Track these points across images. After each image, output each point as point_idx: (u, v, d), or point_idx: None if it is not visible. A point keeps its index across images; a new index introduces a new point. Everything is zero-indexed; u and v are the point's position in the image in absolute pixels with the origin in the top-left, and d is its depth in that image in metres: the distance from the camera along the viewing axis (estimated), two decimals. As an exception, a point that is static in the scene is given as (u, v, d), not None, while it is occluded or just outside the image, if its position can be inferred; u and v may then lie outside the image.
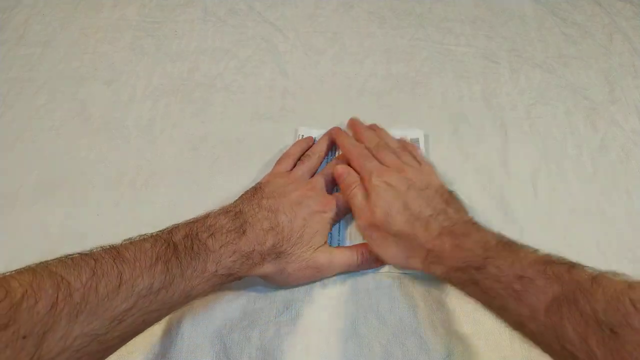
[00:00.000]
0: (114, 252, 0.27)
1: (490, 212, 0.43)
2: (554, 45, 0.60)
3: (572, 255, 0.41)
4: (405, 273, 0.39)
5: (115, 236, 0.33)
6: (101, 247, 0.28)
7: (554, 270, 0.27)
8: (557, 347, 0.25)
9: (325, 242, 0.38)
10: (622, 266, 0.40)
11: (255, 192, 0.38)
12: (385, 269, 0.39)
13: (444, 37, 0.60)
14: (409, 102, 0.53)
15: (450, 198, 0.37)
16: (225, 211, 0.34)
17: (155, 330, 0.35)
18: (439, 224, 0.34)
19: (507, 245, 0.31)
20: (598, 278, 0.26)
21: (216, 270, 0.31)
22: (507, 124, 0.50)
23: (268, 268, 0.34)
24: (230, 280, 0.33)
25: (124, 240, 0.29)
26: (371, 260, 0.38)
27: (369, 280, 0.39)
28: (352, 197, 0.39)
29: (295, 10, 0.62)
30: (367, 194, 0.38)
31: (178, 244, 0.30)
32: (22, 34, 0.58)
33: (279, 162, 0.43)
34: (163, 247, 0.29)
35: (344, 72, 0.55)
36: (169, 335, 0.35)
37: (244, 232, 0.33)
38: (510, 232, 0.41)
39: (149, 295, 0.27)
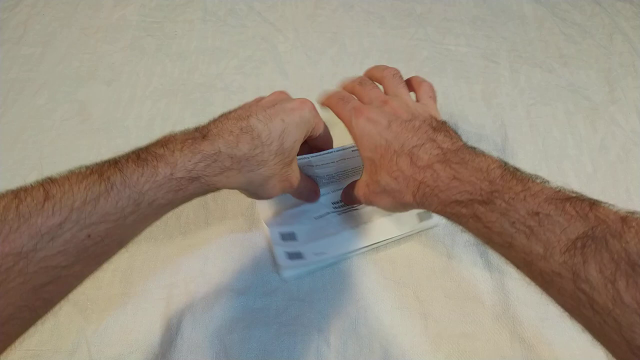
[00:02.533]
0: (44, 179, 0.26)
1: (490, 212, 0.43)
2: (554, 45, 0.60)
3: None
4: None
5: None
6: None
7: (575, 207, 0.24)
8: (570, 289, 0.23)
9: (299, 144, 0.34)
10: (622, 266, 0.40)
11: (223, 113, 0.34)
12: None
13: (444, 37, 0.60)
14: (409, 102, 0.52)
15: (439, 126, 0.33)
16: (184, 131, 0.31)
17: (155, 330, 0.35)
18: (427, 154, 0.30)
19: (516, 175, 0.27)
20: (628, 219, 0.23)
21: (172, 174, 0.27)
22: (507, 124, 0.50)
23: (245, 177, 0.31)
24: (198, 190, 0.29)
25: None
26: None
27: (369, 280, 0.39)
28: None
29: (295, 10, 0.62)
30: (353, 138, 0.34)
31: (119, 159, 0.27)
32: (22, 34, 0.58)
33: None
34: (99, 165, 0.27)
35: (344, 72, 0.55)
36: (169, 335, 0.35)
37: (204, 137, 0.29)
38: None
39: (85, 205, 0.25)
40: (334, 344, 0.35)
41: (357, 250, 0.40)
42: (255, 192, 0.33)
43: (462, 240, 0.41)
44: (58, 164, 0.46)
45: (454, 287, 0.38)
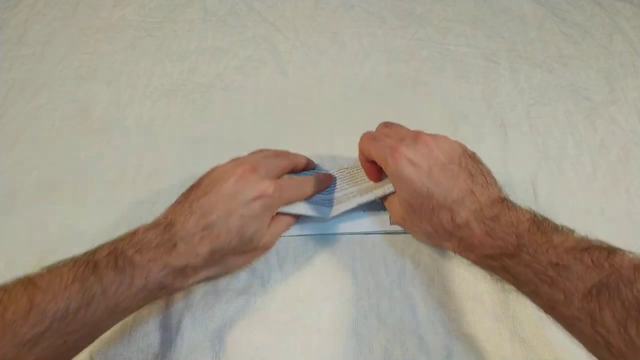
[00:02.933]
0: (27, 281, 0.27)
1: (490, 212, 0.43)
2: (554, 45, 0.60)
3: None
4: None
5: (115, 236, 0.34)
6: (16, 278, 0.27)
7: (592, 257, 0.27)
8: (589, 332, 0.25)
9: (266, 227, 0.35)
10: (622, 266, 0.40)
11: (190, 191, 0.35)
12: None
13: (444, 37, 0.60)
14: (409, 102, 0.53)
15: (475, 170, 0.34)
16: (155, 225, 0.32)
17: (155, 330, 0.35)
18: (466, 210, 0.32)
19: (541, 228, 0.30)
20: None
21: (145, 285, 0.29)
22: (507, 124, 0.51)
23: (208, 272, 0.33)
24: (166, 294, 0.32)
25: (43, 267, 0.28)
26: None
27: (369, 280, 0.39)
28: (384, 201, 0.39)
29: (295, 10, 0.62)
30: (391, 178, 0.35)
31: (99, 262, 0.29)
32: (22, 34, 0.58)
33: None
34: (81, 268, 0.28)
35: (344, 72, 0.55)
36: (169, 335, 0.35)
37: (174, 245, 0.31)
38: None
39: (66, 317, 0.26)
40: (334, 344, 0.35)
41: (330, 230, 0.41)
42: (220, 275, 0.36)
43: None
44: (58, 164, 0.46)
45: (454, 287, 0.38)
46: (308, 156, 0.45)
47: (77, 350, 0.29)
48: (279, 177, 0.37)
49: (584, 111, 0.52)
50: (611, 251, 0.27)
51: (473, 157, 0.35)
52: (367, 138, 0.39)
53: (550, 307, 0.28)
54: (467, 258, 0.34)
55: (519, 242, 0.29)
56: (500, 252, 0.30)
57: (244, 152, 0.47)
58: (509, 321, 0.36)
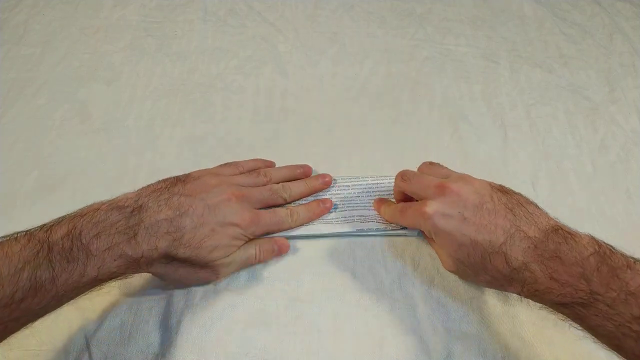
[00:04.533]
0: None
1: (490, 212, 0.43)
2: (554, 45, 0.60)
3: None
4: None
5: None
6: None
7: None
8: None
9: (229, 250, 0.35)
10: (622, 266, 0.40)
11: (175, 183, 0.34)
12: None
13: (444, 37, 0.60)
14: (409, 102, 0.53)
15: (511, 202, 0.32)
16: (122, 205, 0.31)
17: (155, 330, 0.35)
18: (518, 250, 0.30)
19: (610, 268, 0.27)
20: None
21: (96, 276, 0.28)
22: (507, 124, 0.50)
23: (155, 270, 0.32)
24: (114, 280, 0.31)
25: None
26: (270, 251, 0.38)
27: (370, 280, 0.39)
28: (432, 246, 0.38)
29: (295, 11, 0.62)
30: (430, 235, 0.34)
31: (54, 245, 0.27)
32: (22, 34, 0.58)
33: (225, 164, 0.41)
34: (35, 250, 0.27)
35: (344, 72, 0.55)
36: (168, 335, 0.35)
37: (134, 234, 0.30)
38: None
39: (11, 304, 0.25)
40: (334, 344, 0.35)
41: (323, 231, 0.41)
42: (167, 282, 0.35)
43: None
44: (58, 164, 0.46)
45: (454, 287, 0.38)
46: (307, 158, 0.45)
47: (12, 333, 0.27)
48: (263, 206, 0.38)
49: (584, 111, 0.52)
50: None
51: (503, 190, 0.33)
52: (395, 212, 0.38)
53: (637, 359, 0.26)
54: (537, 302, 0.30)
55: (590, 288, 0.27)
56: (571, 301, 0.27)
57: (243, 152, 0.47)
58: (509, 321, 0.36)
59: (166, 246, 0.31)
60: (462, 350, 0.35)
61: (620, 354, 0.27)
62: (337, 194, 0.43)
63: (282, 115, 0.51)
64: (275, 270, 0.39)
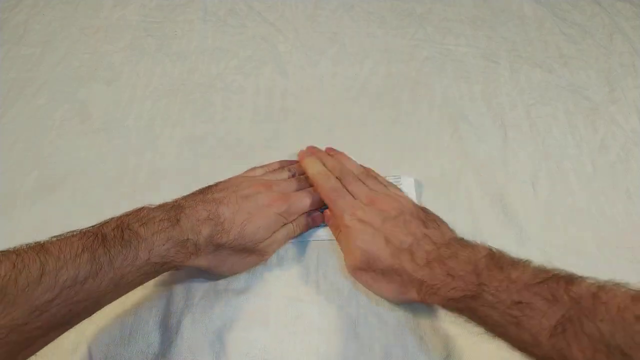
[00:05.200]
0: (38, 247, 0.27)
1: (491, 212, 0.43)
2: (554, 45, 0.60)
3: (572, 255, 0.41)
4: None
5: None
6: (27, 244, 0.28)
7: (551, 290, 0.26)
8: None
9: (270, 237, 0.37)
10: (622, 266, 0.40)
11: (206, 188, 0.37)
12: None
13: (444, 37, 0.60)
14: (409, 102, 0.53)
15: (426, 218, 0.36)
16: (161, 205, 0.34)
17: (155, 330, 0.35)
18: (423, 251, 0.33)
19: (498, 263, 0.30)
20: (599, 294, 0.25)
21: (149, 258, 0.30)
22: (507, 124, 0.50)
23: (206, 260, 0.34)
24: (166, 269, 0.32)
25: (52, 237, 0.29)
26: (305, 224, 0.40)
27: (369, 280, 0.39)
28: (338, 242, 0.39)
29: (295, 11, 0.62)
30: (345, 235, 0.37)
31: (107, 234, 0.29)
32: (22, 34, 0.58)
33: (251, 169, 0.43)
34: (90, 239, 0.29)
35: (344, 72, 0.55)
36: (168, 335, 0.35)
37: (177, 220, 0.32)
38: (511, 232, 0.42)
39: (75, 285, 0.27)
40: (334, 344, 0.35)
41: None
42: (219, 272, 0.37)
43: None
44: (58, 164, 0.46)
45: (454, 287, 0.38)
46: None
47: (79, 320, 0.29)
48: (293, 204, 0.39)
49: (584, 111, 0.52)
50: (569, 281, 0.27)
51: (423, 208, 0.38)
52: (330, 187, 0.40)
53: (522, 348, 0.27)
54: (432, 302, 0.33)
55: (479, 281, 0.29)
56: (462, 294, 0.30)
57: (243, 152, 0.47)
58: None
59: (210, 232, 0.33)
60: (462, 350, 0.35)
61: (508, 342, 0.29)
62: None
63: (282, 115, 0.51)
64: (275, 270, 0.39)
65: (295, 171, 0.43)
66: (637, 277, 0.39)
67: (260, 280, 0.38)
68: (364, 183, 0.40)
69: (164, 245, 0.31)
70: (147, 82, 0.53)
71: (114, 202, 0.43)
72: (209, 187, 0.37)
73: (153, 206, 0.33)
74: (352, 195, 0.39)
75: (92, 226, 0.31)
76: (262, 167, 0.43)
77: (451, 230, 0.36)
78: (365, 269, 0.36)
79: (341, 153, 0.45)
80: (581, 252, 0.41)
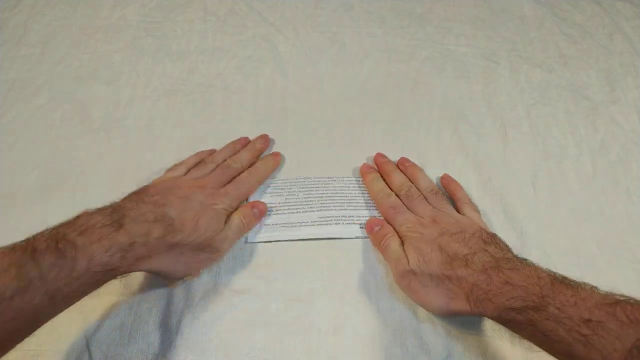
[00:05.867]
0: None
1: (491, 212, 0.43)
2: (554, 45, 0.60)
3: (572, 255, 0.41)
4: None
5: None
6: None
7: (626, 312, 0.25)
8: None
9: (222, 231, 0.37)
10: (622, 266, 0.40)
11: (138, 191, 0.36)
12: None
13: (444, 37, 0.60)
14: (409, 102, 0.53)
15: (489, 238, 0.35)
16: (100, 210, 0.32)
17: (155, 330, 0.35)
18: (480, 260, 0.32)
19: (564, 282, 0.29)
20: None
21: (88, 268, 0.28)
22: (507, 124, 0.50)
23: (158, 262, 0.33)
24: (111, 277, 0.30)
25: None
26: (252, 215, 0.40)
27: (370, 280, 0.39)
28: (385, 248, 0.38)
29: (295, 10, 0.62)
30: (401, 242, 0.37)
31: (38, 247, 0.27)
32: (22, 34, 0.58)
33: (170, 169, 0.42)
34: (18, 253, 0.27)
35: (344, 72, 0.55)
36: (168, 335, 0.35)
37: (121, 225, 0.30)
38: (510, 232, 0.42)
39: (1, 303, 0.25)
40: (334, 344, 0.35)
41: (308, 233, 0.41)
42: (172, 274, 0.36)
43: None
44: (58, 164, 0.46)
45: (454, 287, 0.38)
46: (307, 158, 0.46)
47: (17, 339, 0.27)
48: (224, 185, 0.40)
49: (584, 111, 0.52)
50: None
51: (489, 234, 0.36)
52: (387, 205, 0.40)
53: None
54: (485, 312, 0.31)
55: (543, 292, 0.28)
56: (523, 305, 0.28)
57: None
58: (511, 329, 0.36)
59: (161, 232, 0.32)
60: (462, 350, 0.35)
61: None
62: (311, 191, 0.44)
63: (282, 115, 0.51)
64: (275, 270, 0.39)
65: (216, 160, 0.43)
66: (637, 277, 0.39)
67: (261, 280, 0.38)
68: (429, 203, 0.40)
69: (106, 252, 0.29)
70: (147, 82, 0.53)
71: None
72: (143, 189, 0.36)
73: (91, 211, 0.31)
74: (414, 213, 0.39)
75: (22, 240, 0.29)
76: (180, 164, 0.42)
77: (515, 254, 0.34)
78: (415, 274, 0.34)
79: (414, 166, 0.45)
80: (581, 252, 0.41)
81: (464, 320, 0.36)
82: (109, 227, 0.30)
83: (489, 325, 0.36)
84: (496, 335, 0.36)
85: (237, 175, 0.42)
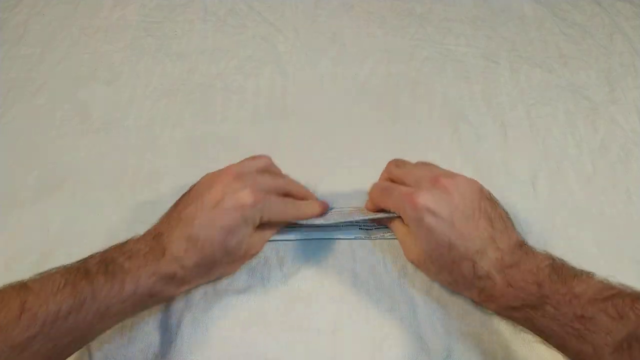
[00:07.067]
0: (19, 285, 0.28)
1: (490, 212, 0.43)
2: (554, 45, 0.60)
3: (572, 255, 0.41)
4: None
5: (115, 236, 0.34)
6: (9, 283, 0.28)
7: (616, 307, 0.27)
8: None
9: (248, 236, 0.35)
10: (622, 266, 0.40)
11: (181, 198, 0.36)
12: None
13: (444, 37, 0.60)
14: (409, 102, 0.53)
15: (494, 214, 0.33)
16: (144, 236, 0.33)
17: (155, 330, 0.35)
18: (488, 260, 0.32)
19: (561, 275, 0.30)
20: None
21: (135, 291, 0.30)
22: (507, 124, 0.50)
23: (196, 282, 0.35)
24: (158, 302, 0.33)
25: (35, 274, 0.29)
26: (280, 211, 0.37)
27: (370, 280, 0.39)
28: (395, 233, 0.38)
29: (295, 10, 0.62)
30: (407, 227, 0.35)
31: (90, 268, 0.29)
32: (22, 34, 0.58)
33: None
34: (73, 273, 0.29)
35: (344, 72, 0.55)
36: (169, 335, 0.35)
37: (162, 253, 0.32)
38: (510, 232, 0.41)
39: (57, 320, 0.27)
40: (334, 344, 0.35)
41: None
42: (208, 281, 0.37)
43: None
44: (58, 164, 0.46)
45: (454, 287, 0.38)
46: (307, 158, 0.45)
47: (67, 354, 0.29)
48: (264, 191, 0.35)
49: (584, 111, 0.52)
50: (635, 298, 0.27)
51: (490, 199, 0.35)
52: (379, 190, 0.38)
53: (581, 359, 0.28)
54: (488, 308, 0.34)
55: (540, 292, 0.29)
56: (522, 304, 0.30)
57: (243, 152, 0.47)
58: (509, 321, 0.36)
59: (194, 261, 0.32)
60: (462, 350, 0.35)
61: (565, 354, 0.29)
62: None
63: (282, 115, 0.51)
64: (275, 270, 0.39)
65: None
66: (637, 277, 0.39)
67: (260, 280, 0.38)
68: (424, 165, 0.38)
69: (150, 278, 0.31)
70: (147, 82, 0.53)
71: (114, 202, 0.43)
72: (182, 198, 0.36)
73: (136, 238, 0.33)
74: (411, 185, 0.35)
75: (76, 261, 0.31)
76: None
77: (515, 230, 0.34)
78: (427, 266, 0.35)
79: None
80: (581, 252, 0.41)
81: (464, 320, 0.36)
82: (151, 255, 0.32)
83: (489, 325, 0.36)
84: (496, 335, 0.36)
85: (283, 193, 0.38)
